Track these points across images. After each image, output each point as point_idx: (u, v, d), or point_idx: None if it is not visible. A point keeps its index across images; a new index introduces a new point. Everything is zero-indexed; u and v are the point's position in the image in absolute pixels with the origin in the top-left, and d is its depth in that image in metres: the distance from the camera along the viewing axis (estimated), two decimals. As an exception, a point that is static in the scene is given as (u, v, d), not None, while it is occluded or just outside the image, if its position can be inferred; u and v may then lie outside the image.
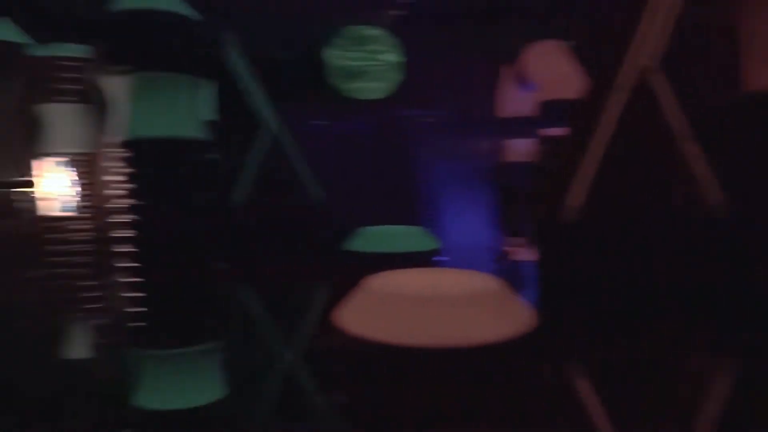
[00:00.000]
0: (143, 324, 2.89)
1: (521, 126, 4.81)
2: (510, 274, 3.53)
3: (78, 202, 3.90)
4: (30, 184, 3.88)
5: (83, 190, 4.04)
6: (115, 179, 3.52)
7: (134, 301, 3.18)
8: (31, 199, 4.04)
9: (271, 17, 3.97)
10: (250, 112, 4.00)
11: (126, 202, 3.48)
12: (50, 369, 2.25)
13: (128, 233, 3.48)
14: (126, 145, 3.45)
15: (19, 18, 5.00)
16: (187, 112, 3.32)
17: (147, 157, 3.40)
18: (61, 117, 4.35)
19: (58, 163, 3.81)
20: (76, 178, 3.86)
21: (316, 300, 3.04)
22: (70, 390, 1.99)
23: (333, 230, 3.93)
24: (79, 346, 2.66)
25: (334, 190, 4.26)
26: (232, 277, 3.48)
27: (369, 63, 4.49)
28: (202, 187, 3.53)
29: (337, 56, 4.40)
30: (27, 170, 3.95)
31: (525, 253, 4.08)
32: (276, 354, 2.24)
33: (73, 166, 3.88)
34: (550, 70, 4.69)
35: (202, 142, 3.50)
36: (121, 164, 3.48)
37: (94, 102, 3.96)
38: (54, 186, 3.81)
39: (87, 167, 4.15)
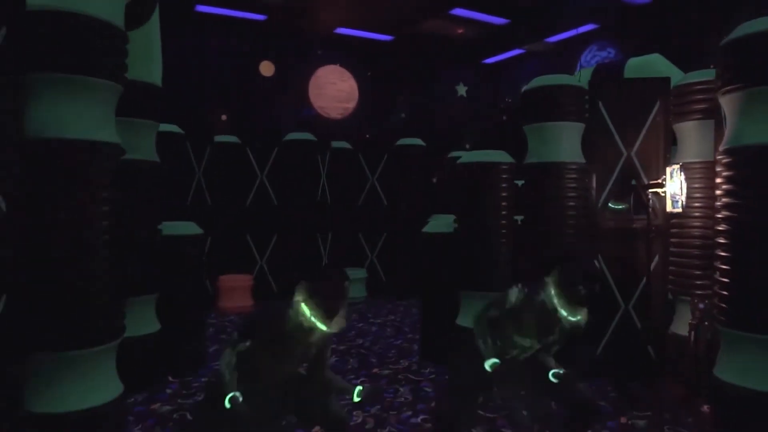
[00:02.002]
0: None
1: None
2: None
3: (685, 202, 4.72)
4: (660, 185, 4.94)
5: (692, 193, 4.85)
6: (721, 185, 4.12)
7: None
8: (660, 198, 5.13)
9: None
10: None
11: (727, 206, 4.05)
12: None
13: (726, 234, 4.04)
14: (731, 153, 4.01)
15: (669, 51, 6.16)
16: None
17: (754, 163, 3.86)
18: (688, 132, 5.25)
19: (677, 170, 4.72)
20: (685, 182, 4.68)
21: None
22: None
23: None
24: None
25: None
26: None
27: None
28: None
29: None
30: (660, 175, 5.04)
31: None
32: None
33: (686, 172, 4.71)
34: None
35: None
36: (726, 171, 4.06)
37: (718, 118, 4.62)
38: (672, 188, 4.75)
39: (699, 174, 4.91)
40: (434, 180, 11.10)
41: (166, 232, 5.62)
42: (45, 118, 3.35)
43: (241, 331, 3.00)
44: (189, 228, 5.99)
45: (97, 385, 3.61)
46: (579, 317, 3.32)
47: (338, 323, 2.96)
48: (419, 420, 4.67)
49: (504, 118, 14.17)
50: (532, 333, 3.36)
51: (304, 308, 2.91)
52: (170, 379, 5.55)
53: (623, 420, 4.60)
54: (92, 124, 3.50)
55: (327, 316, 2.91)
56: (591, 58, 12.87)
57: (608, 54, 12.55)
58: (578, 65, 12.66)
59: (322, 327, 2.90)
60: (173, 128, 8.06)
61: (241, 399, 2.79)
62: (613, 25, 12.31)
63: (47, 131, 3.35)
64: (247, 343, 2.92)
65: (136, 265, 4.97)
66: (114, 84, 3.67)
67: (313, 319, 2.90)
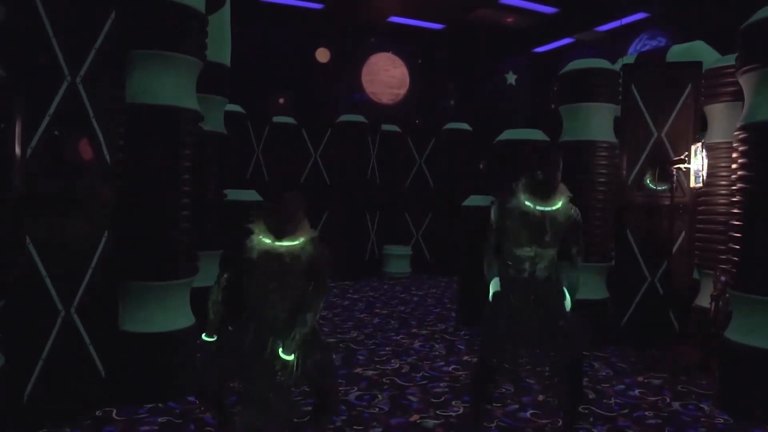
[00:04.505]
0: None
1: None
2: None
3: (706, 178, 5.04)
4: (684, 161, 5.26)
5: (717, 171, 5.18)
6: (737, 159, 4.44)
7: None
8: (683, 174, 5.45)
9: None
10: None
11: (741, 178, 4.37)
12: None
13: (740, 204, 4.37)
14: (746, 129, 4.33)
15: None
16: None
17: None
18: (718, 114, 5.53)
19: (700, 147, 5.04)
20: (707, 159, 5.01)
21: None
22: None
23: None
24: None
25: None
26: None
27: None
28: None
29: None
30: (685, 151, 5.36)
31: None
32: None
33: (710, 150, 5.04)
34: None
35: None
36: (741, 145, 4.39)
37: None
38: (695, 165, 5.08)
39: (724, 153, 5.21)
40: (481, 166, 11.48)
41: (231, 197, 6.32)
42: (141, 87, 4.05)
43: (220, 265, 3.03)
44: (250, 195, 6.68)
45: (175, 314, 4.30)
46: (553, 206, 3.36)
47: (292, 241, 2.90)
48: (450, 369, 5.19)
49: (552, 106, 14.37)
50: (525, 240, 3.39)
51: (256, 227, 2.93)
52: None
53: (640, 378, 4.98)
54: (179, 93, 4.18)
55: (274, 233, 2.89)
56: (641, 47, 12.90)
57: (659, 43, 12.55)
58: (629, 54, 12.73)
59: (269, 242, 2.89)
60: (236, 108, 8.80)
61: (214, 341, 2.97)
62: (664, 14, 12.33)
63: (143, 98, 4.04)
64: (226, 275, 2.98)
65: (206, 223, 5.67)
66: (197, 60, 4.34)
67: (261, 237, 2.91)
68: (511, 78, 15.55)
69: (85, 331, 3.77)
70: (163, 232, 4.15)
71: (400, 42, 14.21)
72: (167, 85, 4.12)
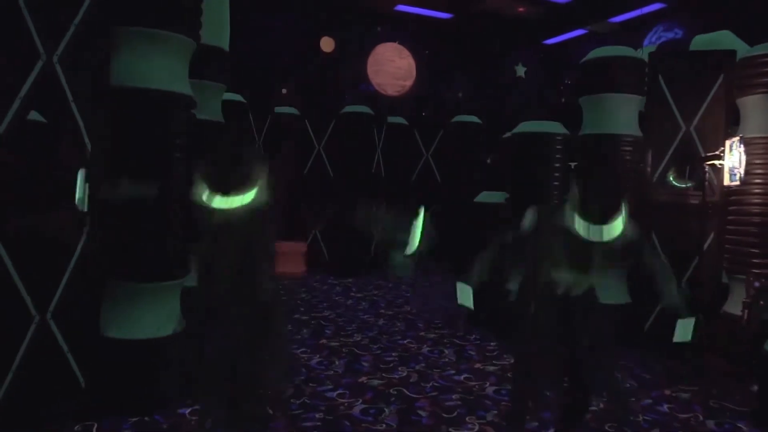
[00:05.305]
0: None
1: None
2: None
3: (744, 177, 4.65)
4: (719, 157, 4.87)
5: (752, 168, 4.77)
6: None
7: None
8: (717, 172, 5.06)
9: None
10: None
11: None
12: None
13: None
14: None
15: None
16: None
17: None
18: (752, 106, 5.13)
19: (737, 142, 4.65)
20: (744, 155, 4.60)
21: None
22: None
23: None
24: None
25: None
26: None
27: None
28: None
29: None
30: (715, 147, 4.97)
31: None
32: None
33: (745, 145, 4.63)
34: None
35: None
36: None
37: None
38: (731, 161, 4.69)
39: (760, 149, 4.81)
40: (489, 161, 11.10)
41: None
42: (128, 69, 3.66)
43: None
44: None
45: (164, 318, 3.92)
46: (611, 233, 2.63)
47: (234, 202, 2.56)
48: (462, 378, 4.82)
49: (563, 100, 13.95)
50: (565, 264, 2.82)
51: (196, 184, 2.62)
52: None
53: (667, 392, 4.62)
54: (169, 76, 3.79)
55: (215, 189, 2.56)
56: (657, 39, 12.46)
57: (675, 35, 12.12)
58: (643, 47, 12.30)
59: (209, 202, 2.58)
60: (236, 97, 8.43)
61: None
62: (680, 5, 11.89)
63: (130, 80, 3.65)
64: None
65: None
66: (190, 40, 3.96)
67: (202, 195, 2.58)
68: (521, 70, 15.12)
69: (63, 338, 3.41)
70: (152, 228, 3.78)
71: (407, 32, 13.79)
72: (157, 67, 3.73)
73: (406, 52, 13.86)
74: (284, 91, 11.98)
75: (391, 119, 10.47)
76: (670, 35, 12.31)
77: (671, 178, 5.51)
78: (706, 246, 5.35)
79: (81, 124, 3.43)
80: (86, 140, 3.47)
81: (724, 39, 6.14)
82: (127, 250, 3.70)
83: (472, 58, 14.65)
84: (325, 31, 12.95)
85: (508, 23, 13.95)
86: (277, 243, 9.58)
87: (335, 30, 13.00)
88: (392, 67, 13.68)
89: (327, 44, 12.92)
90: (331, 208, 9.22)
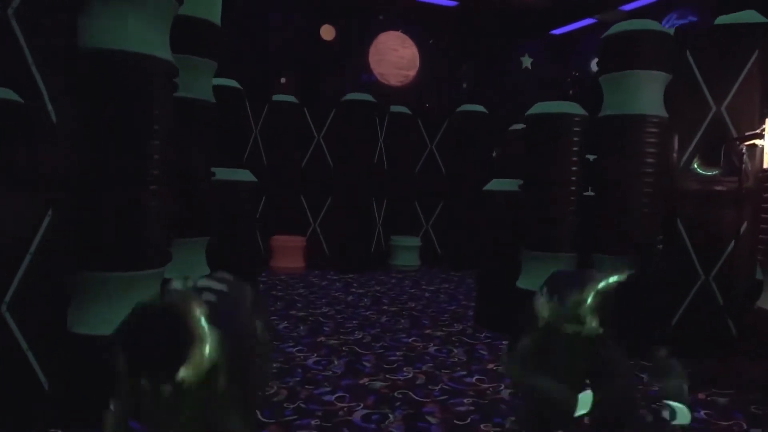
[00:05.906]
0: None
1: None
2: None
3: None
4: (759, 136, 4.43)
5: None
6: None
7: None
8: (755, 154, 4.61)
9: None
10: None
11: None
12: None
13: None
14: None
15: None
16: None
17: None
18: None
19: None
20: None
21: None
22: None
23: None
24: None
25: None
26: None
27: None
28: None
29: None
30: (749, 128, 4.52)
31: None
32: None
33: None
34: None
35: None
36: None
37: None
38: (770, 141, 4.25)
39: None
40: (494, 154, 10.66)
41: (219, 176, 5.50)
42: (99, 29, 3.22)
43: None
44: (243, 175, 5.88)
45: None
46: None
47: None
48: (474, 380, 4.39)
49: (570, 92, 13.49)
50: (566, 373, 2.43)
51: None
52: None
53: (701, 396, 4.18)
54: (147, 39, 3.35)
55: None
56: (670, 27, 12.02)
57: (689, 22, 11.69)
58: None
59: None
60: (232, 83, 7.99)
61: None
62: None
63: (101, 42, 3.21)
64: None
65: (186, 203, 4.85)
66: (171, 0, 3.51)
67: None
68: (527, 61, 14.66)
69: (21, 333, 2.97)
70: (126, 210, 3.34)
71: (410, 20, 13.32)
72: (132, 27, 3.28)
73: (409, 42, 13.39)
74: (283, 80, 11.53)
75: (395, 108, 10.03)
76: (683, 23, 11.86)
77: (696, 166, 5.07)
78: (737, 237, 4.91)
79: (44, 90, 3.00)
80: (50, 108, 3.03)
81: (749, 18, 5.70)
82: (97, 234, 3.27)
83: (477, 48, 14.18)
84: (326, 19, 12.50)
85: (515, 12, 13.48)
86: (275, 237, 9.18)
87: (336, 18, 12.55)
88: (395, 56, 13.21)
89: (328, 32, 12.46)
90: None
